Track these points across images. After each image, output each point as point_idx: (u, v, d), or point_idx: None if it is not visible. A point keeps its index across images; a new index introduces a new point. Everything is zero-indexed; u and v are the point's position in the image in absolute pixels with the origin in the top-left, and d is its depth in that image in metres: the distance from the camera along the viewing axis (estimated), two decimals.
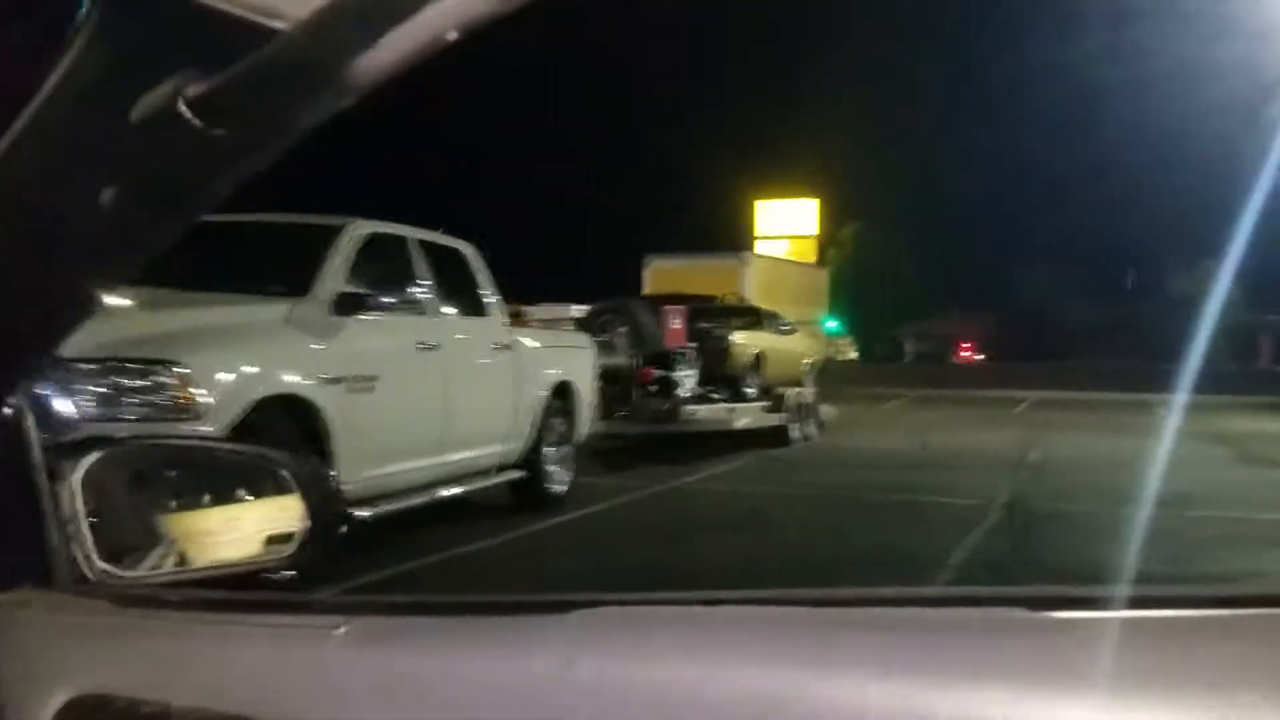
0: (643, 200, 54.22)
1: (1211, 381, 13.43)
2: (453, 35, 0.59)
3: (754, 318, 15.22)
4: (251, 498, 1.24)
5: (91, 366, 4.78)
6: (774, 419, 13.53)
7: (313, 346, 5.78)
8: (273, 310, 5.86)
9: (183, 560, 1.16)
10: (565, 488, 8.62)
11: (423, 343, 6.68)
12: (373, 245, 6.65)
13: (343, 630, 0.84)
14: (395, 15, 0.58)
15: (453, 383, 7.01)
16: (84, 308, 0.86)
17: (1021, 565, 6.51)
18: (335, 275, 6.21)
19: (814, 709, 0.67)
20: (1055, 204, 61.31)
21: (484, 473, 7.63)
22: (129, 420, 4.79)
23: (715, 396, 12.98)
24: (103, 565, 1.03)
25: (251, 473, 1.28)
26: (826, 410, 15.59)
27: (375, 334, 6.27)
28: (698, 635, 0.76)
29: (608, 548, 7.23)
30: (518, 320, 10.15)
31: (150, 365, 4.91)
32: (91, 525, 1.03)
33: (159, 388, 4.92)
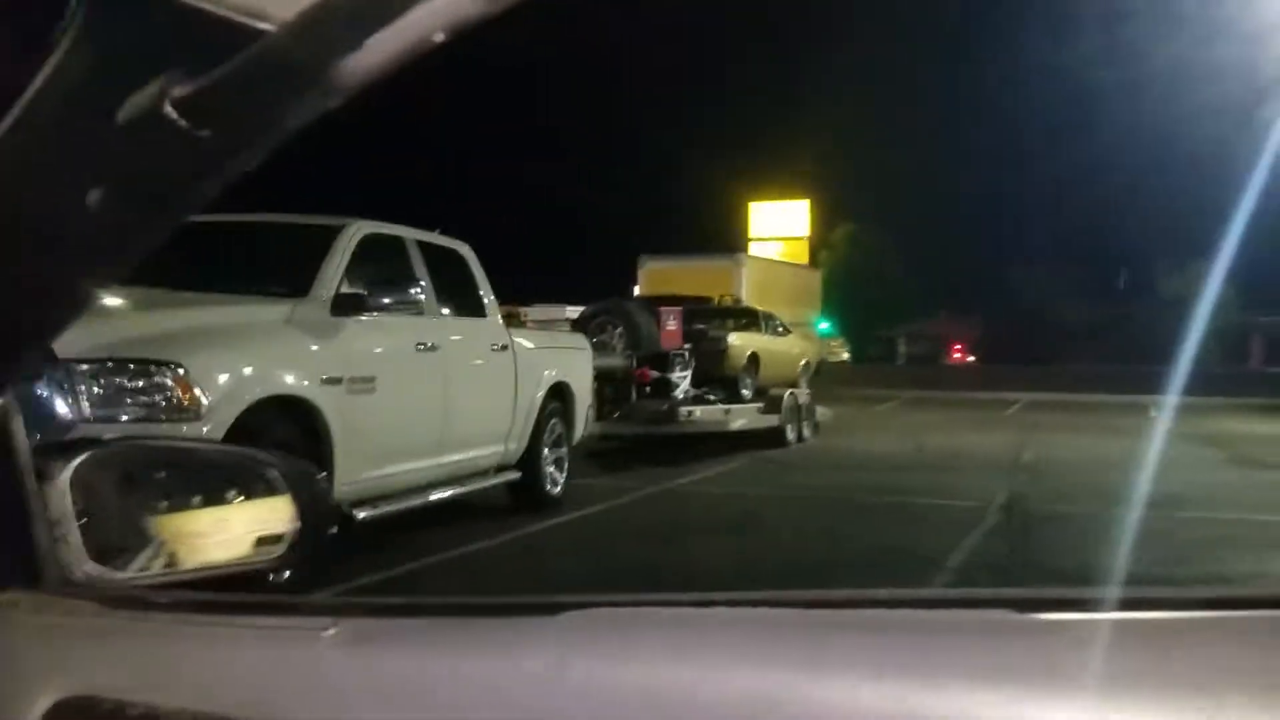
0: (635, 201, 54.28)
1: (1202, 383, 13.50)
2: (440, 37, 0.59)
3: (750, 319, 15.25)
4: (241, 499, 1.23)
5: (91, 366, 4.76)
6: (770, 420, 13.53)
7: (312, 347, 5.76)
8: (272, 311, 5.84)
9: (172, 561, 1.15)
10: (562, 489, 8.62)
11: (422, 343, 6.67)
12: (372, 246, 6.64)
13: (332, 632, 0.84)
14: (382, 17, 0.58)
15: (452, 384, 7.00)
16: (72, 309, 0.86)
17: (1020, 567, 6.53)
18: (334, 276, 6.19)
19: (806, 710, 0.67)
20: (1047, 205, 61.58)
21: (482, 474, 7.63)
22: (128, 420, 4.78)
23: (711, 398, 12.98)
24: (91, 566, 1.02)
25: (241, 474, 1.27)
26: (821, 412, 15.60)
27: (374, 335, 6.26)
28: (689, 637, 0.76)
29: (606, 549, 7.23)
30: (513, 321, 10.15)
31: (150, 365, 4.89)
32: (80, 526, 1.02)
33: (158, 388, 4.90)
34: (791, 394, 14.20)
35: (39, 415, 4.75)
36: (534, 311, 17.59)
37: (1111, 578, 4.66)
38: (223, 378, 5.12)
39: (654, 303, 13.58)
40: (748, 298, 18.48)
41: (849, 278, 47.70)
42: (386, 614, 0.93)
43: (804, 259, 35.93)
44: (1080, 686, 0.63)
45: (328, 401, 5.65)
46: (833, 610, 0.81)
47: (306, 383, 5.58)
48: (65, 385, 4.72)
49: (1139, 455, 11.73)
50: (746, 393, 13.57)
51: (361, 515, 5.97)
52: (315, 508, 1.22)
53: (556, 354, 8.90)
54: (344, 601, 1.20)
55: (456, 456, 7.08)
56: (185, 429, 4.84)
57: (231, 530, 1.22)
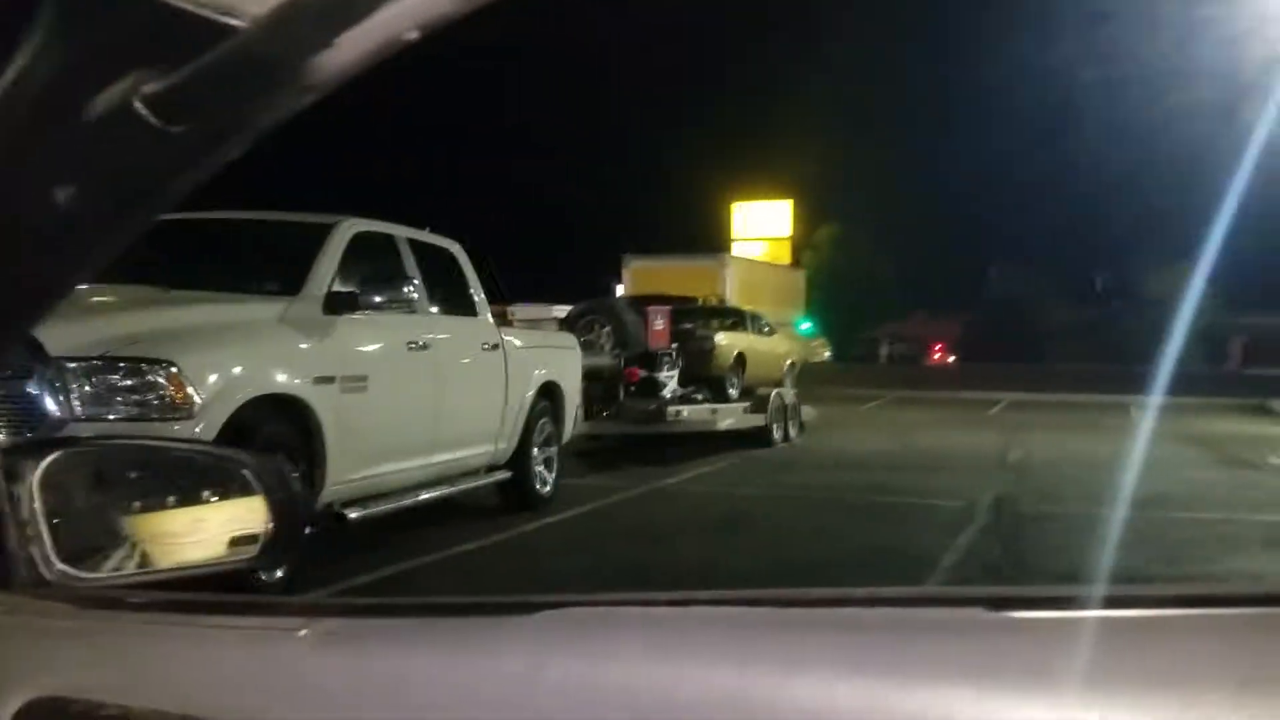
0: (618, 201, 54.32)
1: (1184, 383, 13.58)
2: (413, 35, 0.58)
3: (737, 318, 15.29)
4: (216, 498, 1.21)
5: (82, 365, 4.73)
6: (756, 420, 13.54)
7: (305, 346, 5.72)
8: (265, 309, 5.80)
9: (145, 562, 1.14)
10: (552, 488, 8.60)
11: (414, 342, 6.64)
12: (363, 244, 6.60)
13: (304, 632, 0.84)
14: (354, 14, 0.57)
15: (443, 382, 6.97)
16: (41, 308, 0.85)
17: (1012, 566, 6.55)
18: (327, 274, 6.15)
19: (782, 709, 0.68)
20: (1030, 206, 61.91)
21: (473, 473, 7.60)
22: (120, 419, 4.74)
23: (698, 397, 12.98)
24: (62, 567, 1.01)
25: (216, 473, 1.26)
26: (806, 411, 15.63)
27: (367, 333, 6.22)
28: (666, 636, 0.76)
29: (596, 549, 7.21)
30: (502, 320, 10.11)
31: (142, 364, 4.85)
32: (52, 526, 1.01)
33: (150, 386, 4.86)
34: (778, 394, 14.22)
35: (29, 413, 4.71)
36: (522, 310, 17.57)
37: (1104, 577, 4.67)
38: (215, 376, 5.07)
39: (641, 302, 13.58)
40: (732, 297, 18.54)
41: (831, 278, 47.84)
42: (361, 614, 0.94)
43: (787, 259, 36.10)
44: (1056, 683, 0.64)
45: (320, 400, 5.61)
46: (809, 609, 0.82)
47: (299, 381, 5.54)
48: (56, 383, 4.68)
49: (1124, 455, 11.80)
50: (733, 392, 13.58)
51: (353, 515, 5.93)
52: (291, 507, 1.20)
53: (546, 353, 8.87)
54: (318, 602, 1.18)
55: (448, 456, 7.05)
56: (177, 428, 4.80)
57: (206, 530, 1.21)
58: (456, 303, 7.58)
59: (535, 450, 8.34)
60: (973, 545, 7.21)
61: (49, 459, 1.04)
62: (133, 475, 1.22)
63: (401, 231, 7.18)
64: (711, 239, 35.57)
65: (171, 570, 1.18)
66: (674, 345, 12.63)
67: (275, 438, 5.34)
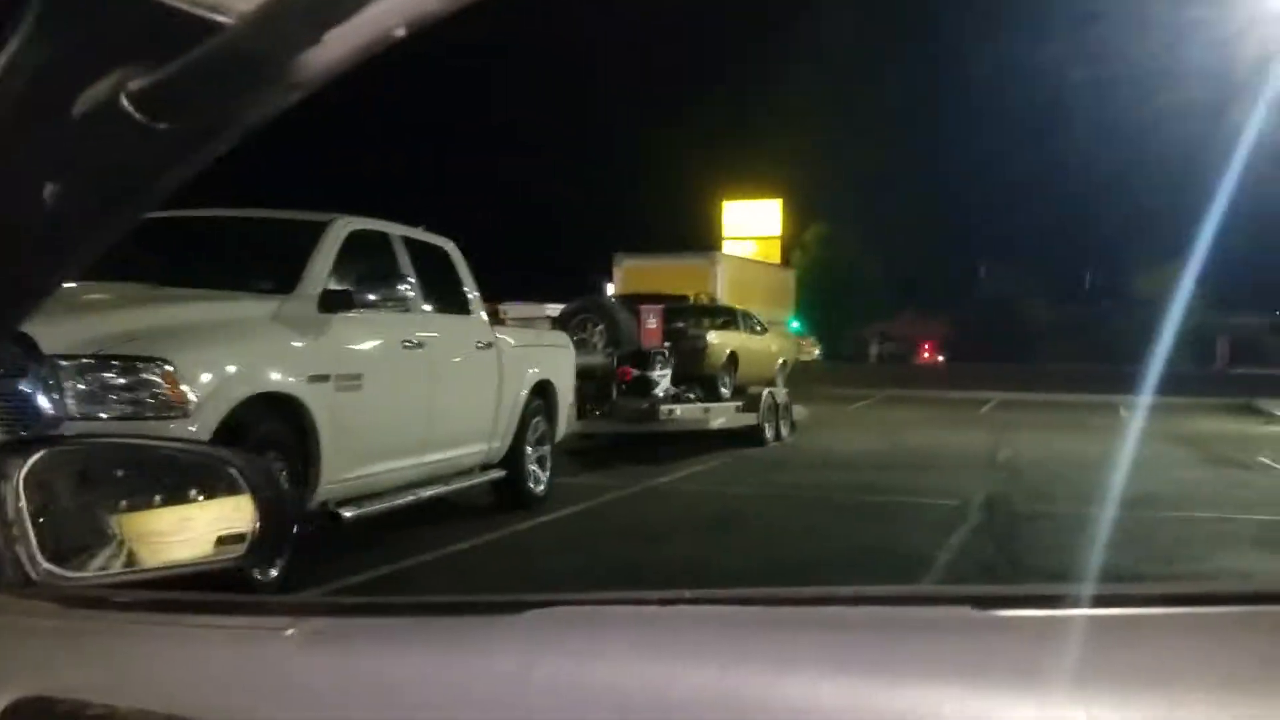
0: (607, 200, 54.28)
1: (1172, 383, 13.64)
2: (401, 32, 0.58)
3: (729, 317, 15.29)
4: (203, 497, 1.20)
5: (76, 363, 4.69)
6: (748, 419, 13.55)
7: (299, 344, 5.70)
8: (259, 307, 5.77)
9: (132, 561, 1.14)
10: (545, 487, 8.59)
11: (408, 341, 6.62)
12: (358, 242, 6.58)
13: (291, 632, 0.84)
14: (342, 11, 0.57)
15: (438, 381, 6.95)
16: (27, 305, 0.84)
17: (1006, 565, 6.56)
18: (321, 272, 6.13)
19: (770, 707, 0.68)
20: (1019, 205, 62.03)
21: (467, 472, 7.58)
22: (114, 418, 4.71)
23: (691, 396, 12.99)
24: (48, 566, 1.00)
25: (204, 472, 1.25)
26: (798, 410, 15.65)
27: (361, 332, 6.20)
28: (655, 635, 0.76)
29: (589, 548, 7.21)
30: (494, 319, 10.10)
31: (136, 362, 4.82)
32: (37, 525, 1.00)
33: (145, 385, 4.83)
34: (769, 393, 14.24)
35: (23, 412, 4.68)
36: (513, 309, 17.55)
37: (1093, 576, 4.69)
38: (210, 375, 5.04)
39: (633, 301, 13.58)
40: (723, 296, 18.54)
41: (821, 277, 47.91)
42: (348, 614, 0.93)
43: (777, 258, 36.13)
44: (1041, 682, 0.64)
45: (315, 399, 5.59)
46: (796, 607, 0.81)
47: (294, 380, 5.52)
48: (50, 382, 4.64)
49: (1114, 454, 11.86)
50: (725, 391, 13.60)
51: (348, 514, 5.92)
52: (278, 506, 1.20)
53: (540, 352, 8.86)
54: (305, 601, 1.18)
55: (442, 455, 7.04)
56: (173, 426, 4.77)
57: (193, 529, 1.20)
58: (450, 301, 7.56)
59: (529, 449, 8.33)
60: (966, 544, 7.23)
61: (34, 457, 1.03)
62: (119, 474, 1.21)
63: (396, 230, 7.16)
64: (701, 238, 35.59)
65: (158, 569, 1.17)
66: (667, 344, 12.64)
67: (270, 436, 5.32)
